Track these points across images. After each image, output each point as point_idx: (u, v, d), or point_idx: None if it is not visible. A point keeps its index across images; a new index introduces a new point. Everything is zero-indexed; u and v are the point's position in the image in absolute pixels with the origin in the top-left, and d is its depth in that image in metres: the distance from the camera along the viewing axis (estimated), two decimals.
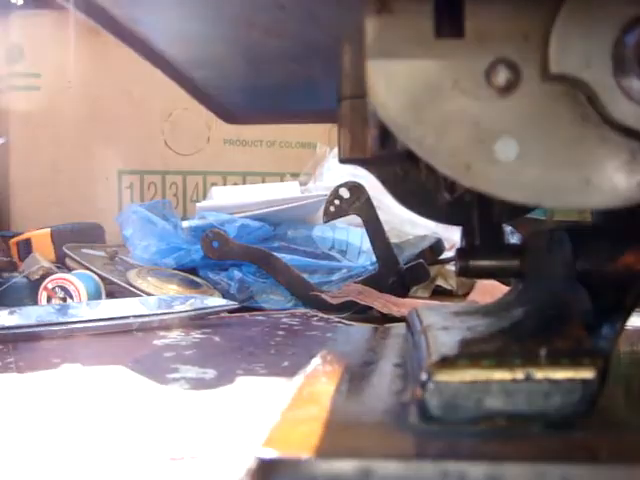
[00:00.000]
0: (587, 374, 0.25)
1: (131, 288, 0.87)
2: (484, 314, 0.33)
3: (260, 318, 0.80)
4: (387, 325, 0.49)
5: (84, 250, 1.01)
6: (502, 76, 0.23)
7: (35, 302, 0.82)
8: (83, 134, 1.31)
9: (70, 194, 1.30)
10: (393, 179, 0.39)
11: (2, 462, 0.35)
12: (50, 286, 0.81)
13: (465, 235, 0.36)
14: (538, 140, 0.23)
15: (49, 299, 0.81)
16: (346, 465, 0.23)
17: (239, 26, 0.28)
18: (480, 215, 0.36)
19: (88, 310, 0.71)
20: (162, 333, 0.69)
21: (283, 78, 0.37)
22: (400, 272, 0.87)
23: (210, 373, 0.52)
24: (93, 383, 0.51)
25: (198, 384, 0.49)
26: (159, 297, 0.77)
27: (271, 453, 0.24)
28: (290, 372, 0.48)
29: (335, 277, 0.92)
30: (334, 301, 0.83)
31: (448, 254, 0.97)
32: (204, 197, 1.34)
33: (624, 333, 0.28)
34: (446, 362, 0.25)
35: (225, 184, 1.39)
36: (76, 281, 0.81)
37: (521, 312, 0.31)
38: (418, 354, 0.30)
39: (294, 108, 0.45)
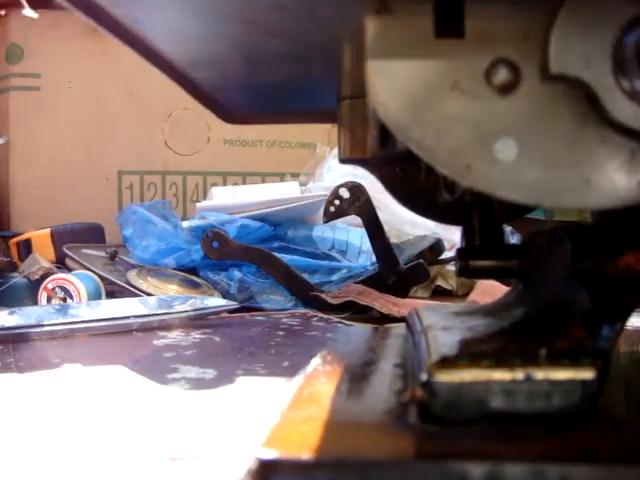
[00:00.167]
0: (587, 374, 0.25)
1: (131, 288, 0.87)
2: (484, 314, 0.33)
3: (260, 318, 0.80)
4: (387, 325, 0.49)
5: (84, 250, 1.01)
6: (502, 76, 0.23)
7: (35, 302, 0.82)
8: (83, 134, 1.31)
9: (70, 194, 1.30)
10: (393, 179, 0.39)
11: (2, 462, 0.35)
12: (50, 286, 0.81)
13: (465, 235, 0.36)
14: (538, 140, 0.23)
15: (49, 299, 0.81)
16: (346, 465, 0.23)
17: (239, 26, 0.28)
18: (480, 215, 0.36)
19: (88, 310, 0.71)
20: (162, 333, 0.69)
21: (283, 78, 0.37)
22: (400, 272, 0.87)
23: (210, 373, 0.52)
24: (93, 383, 0.51)
25: (198, 384, 0.49)
26: (159, 297, 0.77)
27: (271, 453, 0.24)
28: (290, 372, 0.48)
29: (335, 277, 0.92)
30: (334, 301, 0.83)
31: (448, 254, 0.97)
32: (204, 197, 1.34)
33: (624, 333, 0.28)
34: (446, 362, 0.25)
35: (225, 184, 1.39)
36: (76, 281, 0.81)
37: (521, 312, 0.31)
38: (418, 354, 0.30)
39: (294, 108, 0.45)
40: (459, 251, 0.35)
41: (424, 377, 0.25)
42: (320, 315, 0.81)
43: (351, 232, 1.02)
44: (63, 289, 0.81)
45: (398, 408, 0.27)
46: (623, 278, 0.27)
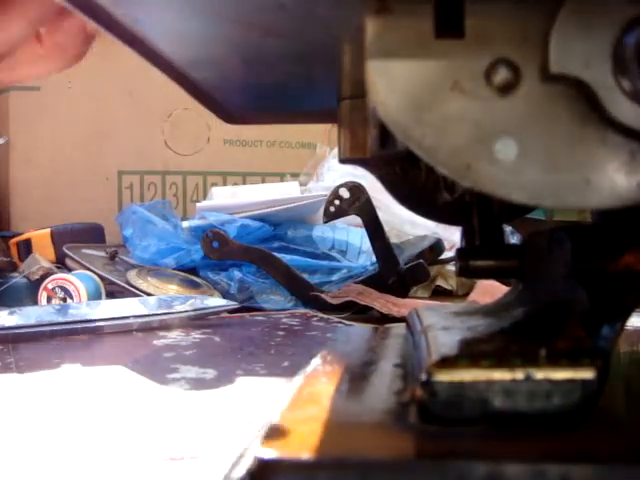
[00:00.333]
0: (587, 374, 0.25)
1: (131, 288, 0.87)
2: (484, 314, 0.33)
3: (260, 318, 0.80)
4: (387, 325, 0.49)
5: (84, 250, 1.01)
6: (502, 76, 0.23)
7: (35, 302, 0.82)
8: (83, 134, 1.31)
9: (70, 194, 1.30)
10: (393, 179, 0.39)
11: (2, 462, 0.35)
12: (50, 286, 0.81)
13: (465, 235, 0.36)
14: (538, 140, 0.23)
15: (49, 299, 0.81)
16: (346, 465, 0.23)
17: (239, 26, 0.28)
18: (480, 215, 0.36)
19: (88, 310, 0.71)
20: (162, 333, 0.69)
21: (283, 78, 0.37)
22: (400, 272, 0.87)
23: (210, 373, 0.52)
24: (93, 383, 0.51)
25: (198, 384, 0.49)
26: (159, 297, 0.77)
27: (271, 453, 0.24)
28: (290, 372, 0.48)
29: (335, 277, 0.92)
30: (334, 301, 0.83)
31: (448, 254, 0.97)
32: (204, 197, 1.34)
33: (624, 333, 0.28)
34: (446, 362, 0.25)
35: (225, 184, 1.39)
36: (76, 281, 0.81)
37: (521, 312, 0.31)
38: (418, 354, 0.30)
39: (294, 108, 0.45)
40: (459, 251, 0.35)
41: (424, 377, 0.25)
42: (320, 315, 0.81)
43: (351, 232, 1.02)
44: (63, 289, 0.81)
45: (398, 408, 0.27)
46: (623, 278, 0.27)
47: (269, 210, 0.99)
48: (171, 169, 1.38)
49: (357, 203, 0.87)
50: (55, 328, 0.67)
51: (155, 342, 0.65)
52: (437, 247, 0.95)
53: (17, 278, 0.91)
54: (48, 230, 1.07)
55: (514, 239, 0.84)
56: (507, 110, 0.23)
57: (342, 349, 0.41)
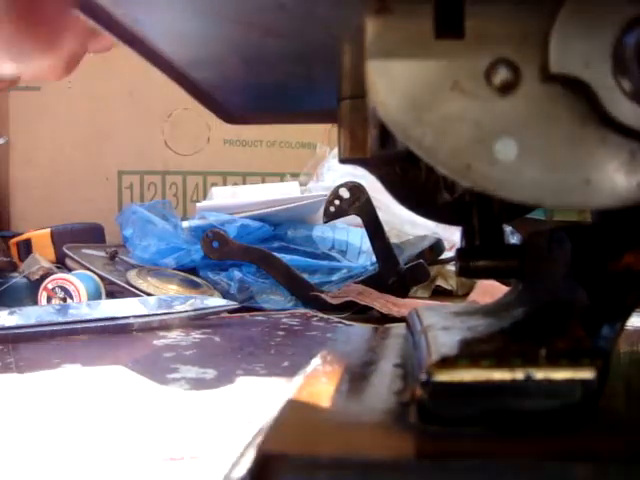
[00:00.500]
0: (587, 374, 0.25)
1: (131, 288, 0.87)
2: (484, 314, 0.33)
3: (260, 318, 0.80)
4: (387, 325, 0.49)
5: (84, 250, 1.01)
6: (502, 76, 0.23)
7: (35, 302, 0.82)
8: (83, 134, 1.31)
9: (70, 194, 1.30)
10: (393, 179, 0.39)
11: (2, 462, 0.35)
12: (50, 286, 0.81)
13: (465, 235, 0.36)
14: (538, 140, 0.23)
15: (49, 299, 0.81)
16: (346, 465, 0.23)
17: (239, 26, 0.28)
18: (480, 215, 0.36)
19: (88, 310, 0.71)
20: (162, 333, 0.69)
21: (283, 78, 0.37)
22: (400, 272, 0.87)
23: (210, 373, 0.52)
24: (93, 383, 0.51)
25: (198, 384, 0.50)
26: (159, 297, 0.77)
27: (271, 453, 0.24)
28: (290, 372, 0.48)
29: (335, 277, 0.92)
30: (334, 301, 0.83)
31: (448, 254, 0.97)
32: (204, 197, 1.34)
33: (624, 333, 0.28)
34: (446, 362, 0.25)
35: (225, 184, 1.39)
36: (76, 281, 0.81)
37: (521, 312, 0.31)
38: (418, 354, 0.30)
39: (294, 108, 0.45)
40: (459, 251, 0.35)
41: (424, 377, 0.25)
42: (320, 315, 0.81)
43: (351, 232, 1.02)
44: (63, 289, 0.81)
45: (398, 408, 0.27)
46: (623, 278, 0.27)
47: (269, 210, 0.99)
48: (171, 169, 1.38)
49: (357, 203, 0.87)
50: (55, 328, 0.67)
51: (155, 342, 0.65)
52: (437, 247, 0.95)
53: (17, 278, 0.91)
54: (48, 230, 1.07)
55: (514, 239, 0.84)
56: (507, 110, 0.23)
57: (342, 349, 0.41)
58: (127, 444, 0.37)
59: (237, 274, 0.90)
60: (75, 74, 0.45)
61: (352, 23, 0.25)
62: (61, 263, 1.00)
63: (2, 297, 0.86)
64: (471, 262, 0.34)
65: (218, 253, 0.89)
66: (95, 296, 0.82)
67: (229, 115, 0.45)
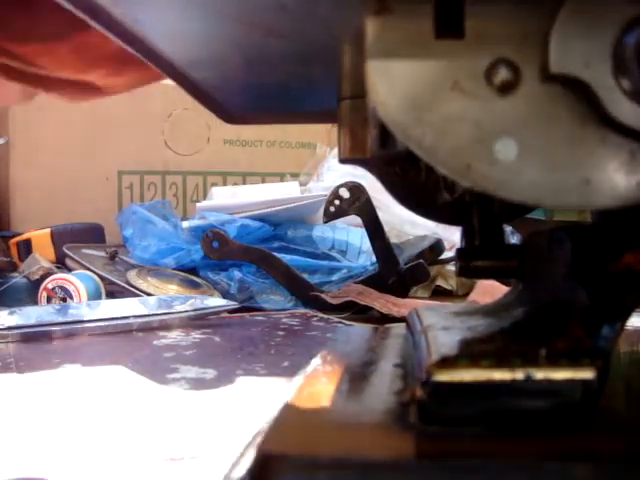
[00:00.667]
0: (587, 374, 0.25)
1: (131, 288, 0.87)
2: (484, 314, 0.33)
3: (260, 318, 0.80)
4: (387, 325, 0.49)
5: (84, 250, 1.01)
6: (502, 76, 0.23)
7: (35, 302, 0.82)
8: (83, 134, 1.31)
9: (70, 194, 1.30)
10: (393, 179, 0.39)
11: (2, 462, 0.35)
12: (50, 286, 0.81)
13: (465, 235, 0.36)
14: (538, 140, 0.23)
15: (49, 299, 0.81)
16: (346, 465, 0.23)
17: (239, 26, 0.28)
18: (480, 215, 0.36)
19: (88, 310, 0.71)
20: (162, 333, 0.69)
21: (283, 78, 0.37)
22: (400, 272, 0.87)
23: (210, 373, 0.52)
24: (93, 383, 0.51)
25: (198, 384, 0.50)
26: (159, 297, 0.77)
27: (271, 453, 0.24)
28: (290, 372, 0.48)
29: (335, 277, 0.92)
30: (334, 301, 0.83)
31: (448, 254, 0.97)
32: (204, 197, 1.34)
33: (624, 333, 0.28)
34: (446, 362, 0.25)
35: (225, 184, 1.39)
36: (76, 281, 0.81)
37: (521, 312, 0.31)
38: (418, 354, 0.30)
39: (294, 108, 0.45)
40: (459, 251, 0.35)
41: (424, 377, 0.25)
42: (320, 315, 0.81)
43: (351, 232, 1.02)
44: (63, 289, 0.81)
45: (398, 408, 0.27)
46: (623, 278, 0.27)
47: (269, 210, 0.99)
48: (171, 169, 1.38)
49: (357, 203, 0.87)
50: (55, 328, 0.67)
51: (155, 342, 0.65)
52: (437, 247, 0.95)
53: (17, 278, 0.91)
54: (48, 230, 1.07)
55: (514, 239, 0.84)
56: (507, 110, 0.23)
57: (342, 349, 0.41)
58: (127, 444, 0.37)
59: (237, 274, 0.90)
60: None
61: (352, 23, 0.25)
62: (61, 263, 1.00)
63: (2, 297, 0.86)
64: (471, 262, 0.34)
65: (218, 253, 0.89)
66: (95, 296, 0.82)
67: (229, 115, 0.45)
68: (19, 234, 1.11)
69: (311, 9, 0.26)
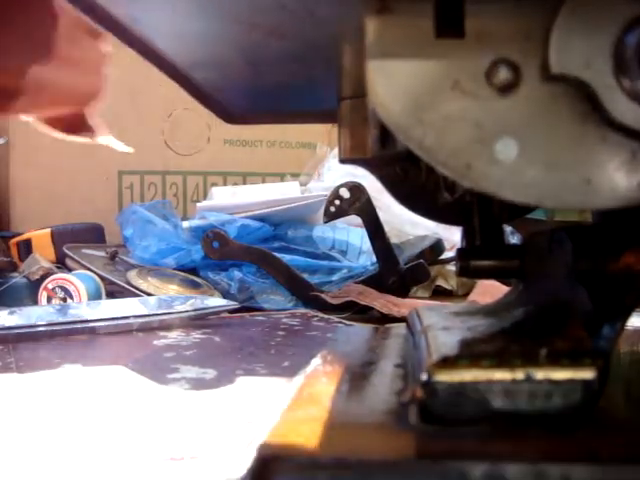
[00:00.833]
0: (587, 374, 0.25)
1: (131, 288, 0.87)
2: (484, 314, 0.33)
3: (260, 318, 0.80)
4: (387, 325, 0.49)
5: (84, 250, 1.01)
6: (503, 76, 0.23)
7: (35, 302, 0.82)
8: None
9: (70, 194, 1.30)
10: (393, 179, 0.39)
11: (2, 462, 0.35)
12: (50, 286, 0.81)
13: (465, 235, 0.36)
14: (538, 140, 0.23)
15: (49, 299, 0.81)
16: (346, 465, 0.23)
17: (240, 26, 0.28)
18: (480, 215, 0.36)
19: (88, 310, 0.71)
20: (162, 333, 0.69)
21: (284, 78, 0.37)
22: (400, 272, 0.87)
23: (210, 373, 0.52)
24: (93, 383, 0.51)
25: (198, 384, 0.49)
26: (159, 297, 0.77)
27: (271, 453, 0.24)
28: (290, 372, 0.48)
29: (335, 277, 0.92)
30: (334, 301, 0.83)
31: (448, 254, 0.97)
32: (204, 197, 1.34)
33: (624, 333, 0.28)
34: (446, 362, 0.25)
35: (225, 184, 1.39)
36: (76, 281, 0.81)
37: (521, 312, 0.31)
38: (418, 354, 0.30)
39: (294, 108, 0.45)
40: (459, 251, 0.35)
41: (424, 377, 0.25)
42: (320, 315, 0.81)
43: (351, 232, 1.02)
44: (63, 289, 0.81)
45: (398, 408, 0.27)
46: (623, 278, 0.27)
47: (269, 210, 0.99)
48: (171, 169, 1.38)
49: (357, 203, 0.87)
50: (55, 328, 0.67)
51: (155, 342, 0.65)
52: (437, 247, 0.95)
53: (17, 278, 0.91)
54: (48, 230, 1.07)
55: (514, 239, 0.84)
56: (507, 110, 0.23)
57: (342, 349, 0.41)
58: (127, 444, 0.37)
59: (237, 274, 0.90)
60: None
61: (352, 23, 0.25)
62: (61, 263, 1.00)
63: (2, 297, 0.86)
64: (471, 262, 0.34)
65: (218, 253, 0.89)
66: (95, 296, 0.82)
67: (229, 115, 0.45)
68: (19, 234, 1.11)
69: (311, 9, 0.26)
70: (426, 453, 0.24)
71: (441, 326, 0.32)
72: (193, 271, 0.93)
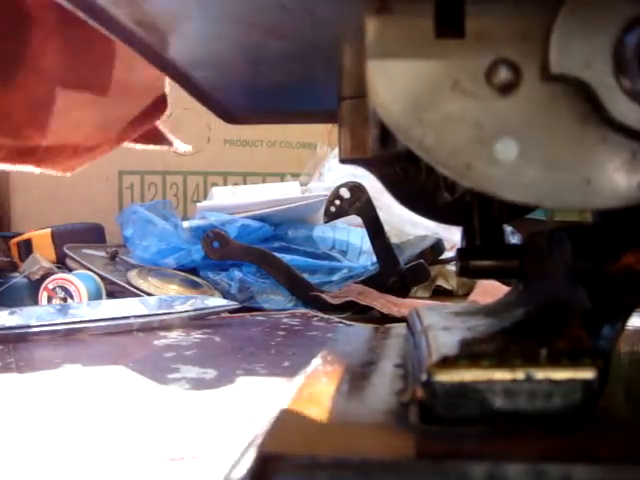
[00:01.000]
0: (587, 374, 0.25)
1: (131, 288, 0.87)
2: (485, 314, 0.33)
3: (260, 318, 0.80)
4: (387, 325, 0.49)
5: (84, 250, 1.01)
6: (502, 76, 0.23)
7: (35, 302, 0.82)
8: None
9: (70, 194, 1.30)
10: (393, 179, 0.39)
11: (2, 462, 0.35)
12: (51, 286, 0.81)
13: (465, 235, 0.36)
14: (538, 140, 0.23)
15: (49, 299, 0.81)
16: (346, 465, 0.23)
17: (240, 26, 0.28)
18: (480, 215, 0.36)
19: (88, 310, 0.71)
20: (162, 333, 0.69)
21: (284, 78, 0.37)
22: (400, 272, 0.87)
23: (210, 373, 0.52)
24: (93, 383, 0.51)
25: (198, 384, 0.50)
26: (159, 297, 0.77)
27: (271, 453, 0.24)
28: (290, 372, 0.48)
29: (336, 277, 0.92)
30: (334, 301, 0.83)
31: (448, 254, 0.97)
32: (204, 197, 1.34)
33: (624, 333, 0.28)
34: (446, 362, 0.25)
35: (226, 184, 1.39)
36: (76, 281, 0.81)
37: (521, 312, 0.31)
38: (418, 354, 0.30)
39: (294, 108, 0.45)
40: (459, 251, 0.35)
41: (424, 377, 0.25)
42: (320, 315, 0.81)
43: (352, 232, 1.02)
44: (63, 289, 0.81)
45: (398, 408, 0.27)
46: (623, 278, 0.27)
47: (269, 210, 0.99)
48: (171, 169, 1.38)
49: (358, 203, 0.87)
50: (55, 328, 0.67)
51: (156, 342, 0.65)
52: (437, 247, 0.95)
53: (17, 278, 0.91)
54: (48, 230, 1.07)
55: (514, 239, 0.84)
56: (507, 110, 0.23)
57: (342, 349, 0.41)
58: (127, 444, 0.37)
59: (237, 274, 0.90)
60: None
61: (352, 23, 0.25)
62: (61, 263, 1.00)
63: (2, 297, 0.86)
64: (471, 262, 0.34)
65: (218, 253, 0.89)
66: (95, 296, 0.82)
67: (230, 115, 0.45)
68: (19, 234, 1.11)
69: (311, 9, 0.26)
70: (426, 453, 0.24)
71: (441, 326, 0.32)
72: (193, 271, 0.93)
